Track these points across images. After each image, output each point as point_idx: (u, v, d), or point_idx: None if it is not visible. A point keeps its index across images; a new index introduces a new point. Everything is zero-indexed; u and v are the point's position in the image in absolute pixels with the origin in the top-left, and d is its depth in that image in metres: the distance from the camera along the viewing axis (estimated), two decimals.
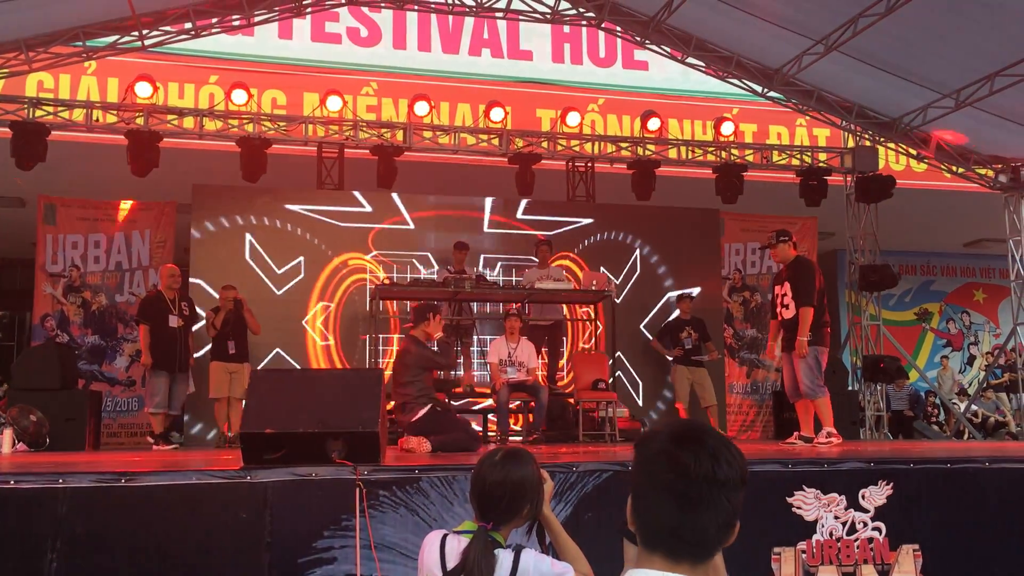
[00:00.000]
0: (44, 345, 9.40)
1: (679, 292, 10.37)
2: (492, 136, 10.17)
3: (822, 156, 11.04)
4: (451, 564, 2.51)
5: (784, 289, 6.88)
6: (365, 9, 11.02)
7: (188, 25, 9.06)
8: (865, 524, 4.41)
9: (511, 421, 8.53)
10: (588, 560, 2.70)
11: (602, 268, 10.07)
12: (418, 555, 2.64)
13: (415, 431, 6.36)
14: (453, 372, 9.05)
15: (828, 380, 9.81)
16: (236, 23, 9.34)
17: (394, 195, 10.02)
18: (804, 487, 4.36)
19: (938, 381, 14.36)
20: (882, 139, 10.71)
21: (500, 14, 9.89)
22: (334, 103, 9.67)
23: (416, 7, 9.88)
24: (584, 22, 10.16)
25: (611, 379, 9.05)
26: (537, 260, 9.63)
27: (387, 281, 8.78)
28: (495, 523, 2.58)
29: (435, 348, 6.81)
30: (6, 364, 12.55)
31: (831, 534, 4.36)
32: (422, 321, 6.74)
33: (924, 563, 4.42)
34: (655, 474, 1.52)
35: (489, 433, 8.74)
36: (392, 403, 6.55)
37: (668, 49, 9.99)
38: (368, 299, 9.01)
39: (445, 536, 2.59)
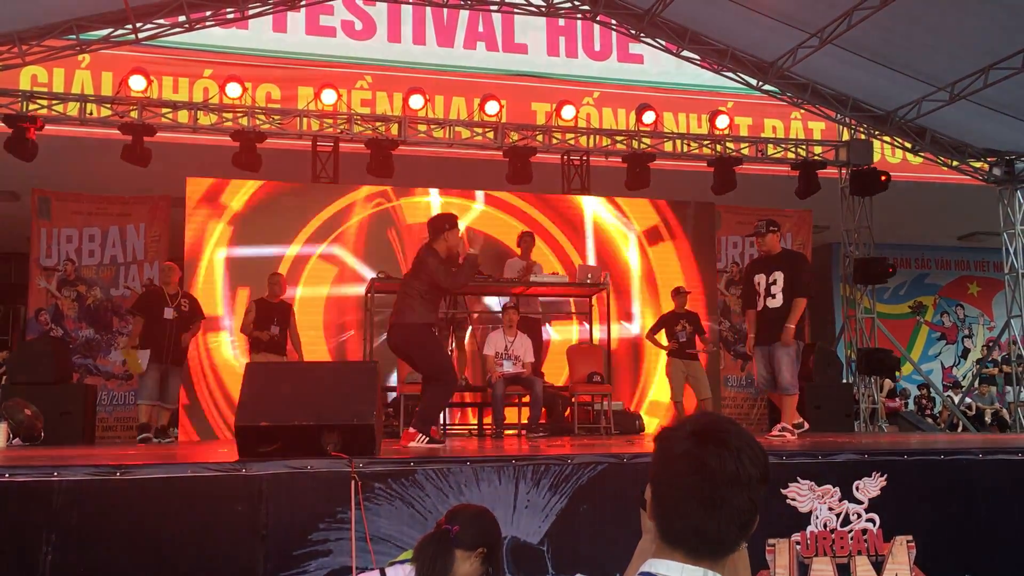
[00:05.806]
0: (39, 339, 9.39)
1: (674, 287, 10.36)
2: (487, 129, 10.16)
3: (817, 149, 11.05)
4: None
5: (773, 278, 6.86)
6: (359, 2, 10.99)
7: (182, 18, 9.03)
8: (859, 515, 4.43)
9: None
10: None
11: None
12: None
13: (395, 338, 5.78)
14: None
15: (823, 373, 9.96)
16: (230, 16, 9.29)
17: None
18: (798, 479, 4.37)
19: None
20: (877, 132, 10.72)
21: (495, 7, 9.86)
22: (328, 96, 9.66)
23: (411, 0, 9.86)
24: (579, 15, 10.14)
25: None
26: (520, 251, 9.54)
27: (383, 274, 8.74)
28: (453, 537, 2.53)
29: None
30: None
31: (825, 525, 4.38)
32: (439, 236, 5.97)
33: (918, 554, 4.43)
34: (677, 475, 1.47)
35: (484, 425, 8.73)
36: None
37: (663, 42, 9.97)
38: (364, 292, 8.99)
39: (383, 570, 2.54)
